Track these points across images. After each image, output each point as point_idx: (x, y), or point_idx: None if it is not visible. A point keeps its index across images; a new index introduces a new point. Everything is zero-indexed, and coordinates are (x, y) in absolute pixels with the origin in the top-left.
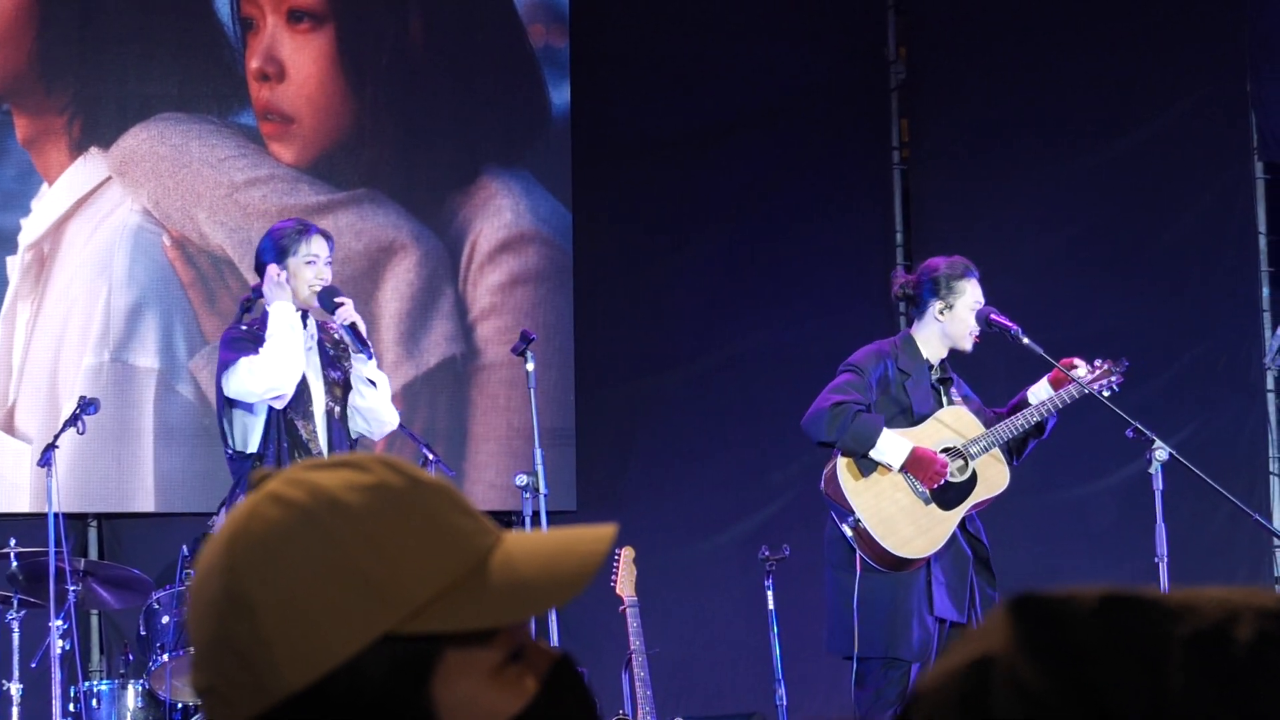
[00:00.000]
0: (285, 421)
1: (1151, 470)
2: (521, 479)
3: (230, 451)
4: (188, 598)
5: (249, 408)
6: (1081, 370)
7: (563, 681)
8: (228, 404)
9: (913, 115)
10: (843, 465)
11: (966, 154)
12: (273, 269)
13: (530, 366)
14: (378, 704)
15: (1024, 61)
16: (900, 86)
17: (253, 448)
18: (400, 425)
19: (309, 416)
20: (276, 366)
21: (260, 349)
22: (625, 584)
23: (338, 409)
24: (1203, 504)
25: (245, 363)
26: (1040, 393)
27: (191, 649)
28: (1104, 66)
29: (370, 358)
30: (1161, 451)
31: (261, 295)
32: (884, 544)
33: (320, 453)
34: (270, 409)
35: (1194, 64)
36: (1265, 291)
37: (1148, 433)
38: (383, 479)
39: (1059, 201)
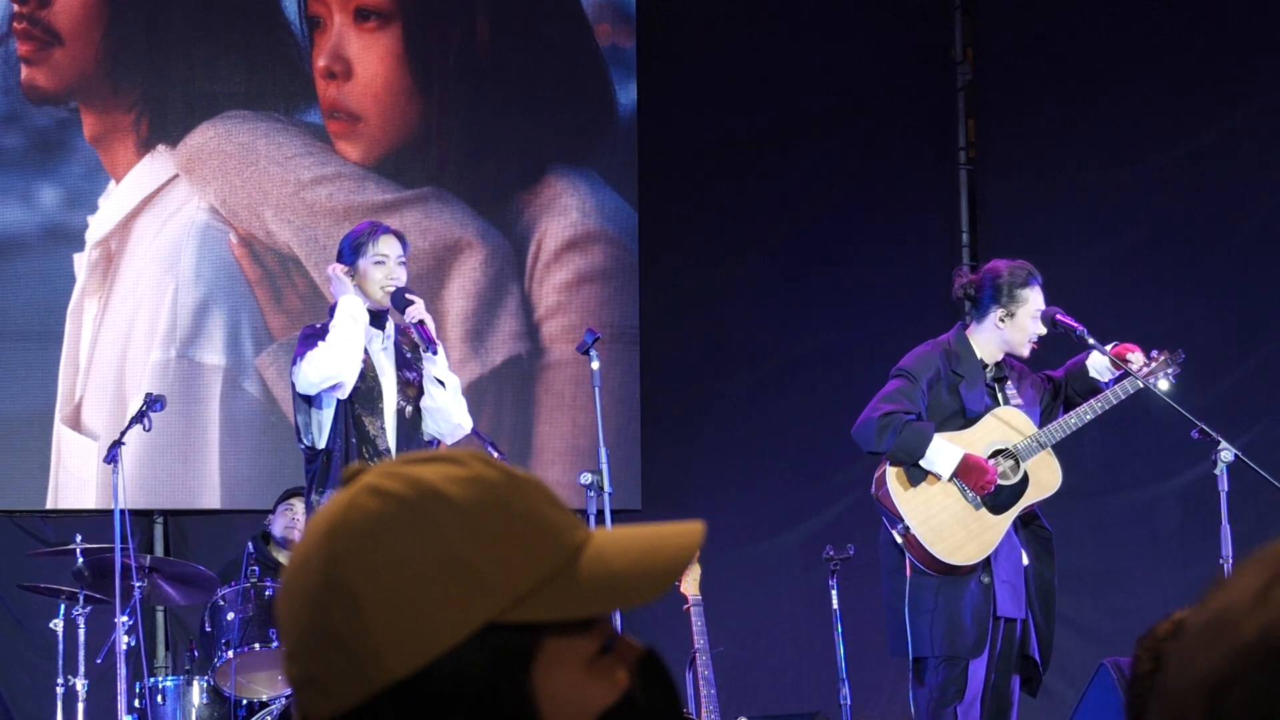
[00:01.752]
0: (354, 418)
1: (1217, 472)
2: (586, 477)
3: (304, 447)
4: (282, 589)
5: (318, 402)
6: (1138, 360)
7: (652, 673)
8: (301, 399)
9: (979, 116)
10: (892, 473)
11: (1033, 155)
12: (335, 266)
13: (595, 365)
14: (479, 693)
15: (1091, 62)
16: (966, 87)
17: (322, 443)
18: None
19: (378, 414)
20: (333, 356)
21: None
22: (689, 583)
23: (409, 409)
24: (1269, 505)
25: (309, 355)
26: (1098, 364)
27: (285, 642)
28: (1171, 66)
29: (435, 355)
30: (1227, 453)
31: None
32: (933, 551)
33: (388, 450)
34: (339, 405)
35: (1262, 65)
36: None
37: (1213, 434)
38: (479, 473)
39: (1126, 202)
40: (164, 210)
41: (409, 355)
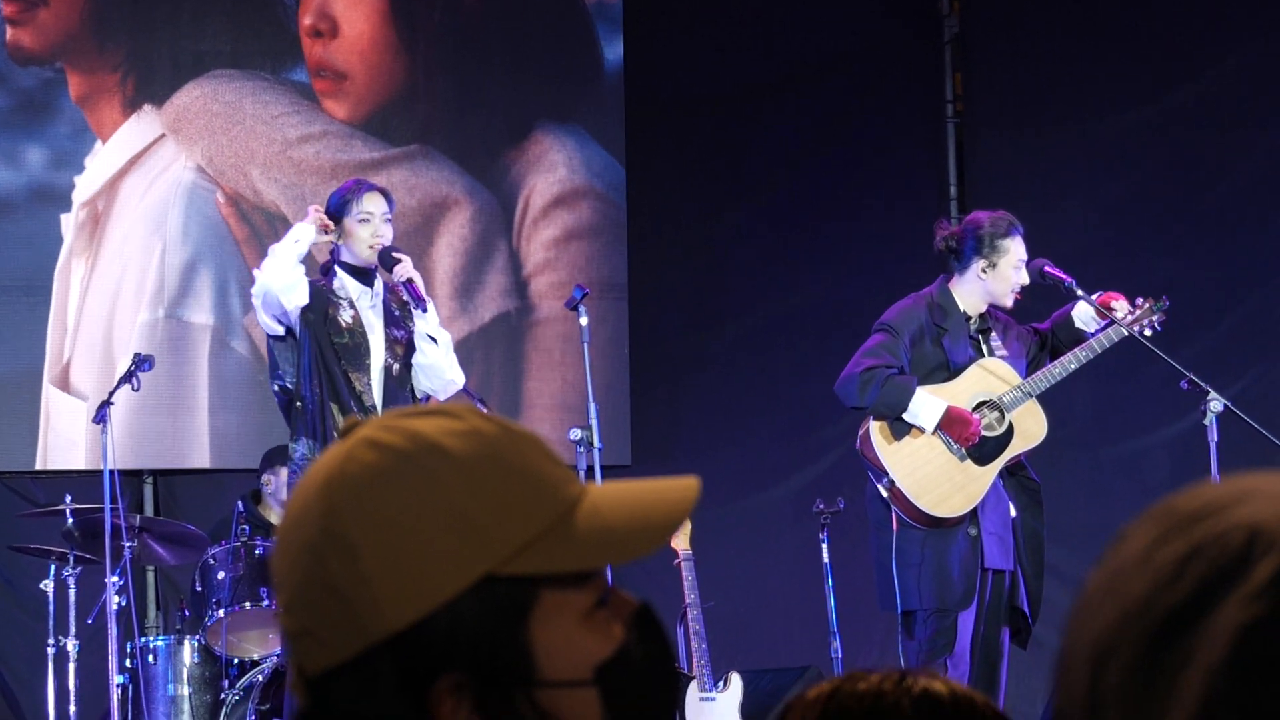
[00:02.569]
0: (340, 372)
1: (1206, 422)
2: (576, 433)
3: (276, 389)
4: (278, 542)
5: (283, 335)
6: (1122, 308)
7: (647, 627)
8: (270, 338)
9: (966, 69)
10: (875, 427)
11: (1020, 107)
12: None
13: (584, 321)
14: (476, 643)
15: (1077, 13)
16: (953, 40)
17: (291, 383)
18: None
19: (365, 370)
20: (267, 267)
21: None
22: (680, 538)
23: (396, 366)
24: (1258, 456)
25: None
26: (1084, 314)
27: (281, 594)
28: (1157, 18)
29: (425, 313)
30: (1216, 403)
31: (336, 257)
32: (919, 504)
33: (374, 406)
34: (314, 355)
35: (1248, 15)
36: None
37: (1202, 384)
38: (476, 426)
39: (1114, 154)
40: (151, 170)
41: (397, 313)
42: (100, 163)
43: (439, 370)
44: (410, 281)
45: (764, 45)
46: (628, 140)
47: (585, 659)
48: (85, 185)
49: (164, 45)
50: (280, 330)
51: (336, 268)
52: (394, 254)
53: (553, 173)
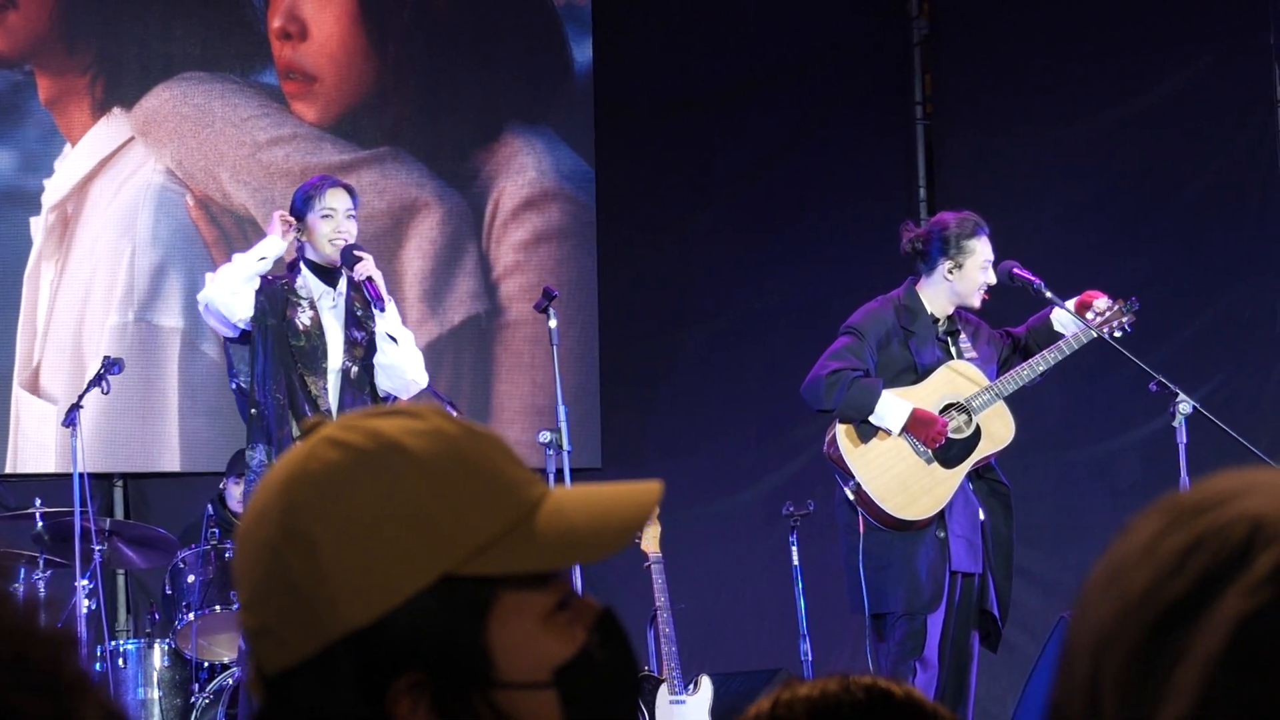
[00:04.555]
0: (296, 376)
1: (1175, 424)
2: (545, 436)
3: (234, 387)
4: (239, 540)
5: (240, 336)
6: (1101, 305)
7: (609, 631)
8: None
9: (935, 71)
10: (842, 430)
11: (989, 109)
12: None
13: (553, 323)
14: (434, 643)
15: (1046, 16)
16: (923, 42)
17: (247, 384)
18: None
19: (321, 373)
20: (218, 278)
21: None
22: (650, 541)
23: (354, 369)
24: (1227, 458)
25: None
26: (1064, 318)
27: (241, 592)
28: (1127, 20)
29: (384, 312)
30: (1185, 405)
31: (301, 254)
32: (885, 507)
33: (329, 410)
34: (271, 360)
35: (1217, 17)
36: None
37: (1171, 386)
38: (438, 426)
39: (1082, 156)
40: (120, 173)
41: (359, 314)
42: (69, 166)
43: (399, 370)
44: (370, 280)
45: (733, 46)
46: (597, 142)
47: (544, 661)
48: (54, 188)
49: (133, 47)
50: (232, 332)
51: (301, 264)
52: (355, 252)
53: (522, 175)
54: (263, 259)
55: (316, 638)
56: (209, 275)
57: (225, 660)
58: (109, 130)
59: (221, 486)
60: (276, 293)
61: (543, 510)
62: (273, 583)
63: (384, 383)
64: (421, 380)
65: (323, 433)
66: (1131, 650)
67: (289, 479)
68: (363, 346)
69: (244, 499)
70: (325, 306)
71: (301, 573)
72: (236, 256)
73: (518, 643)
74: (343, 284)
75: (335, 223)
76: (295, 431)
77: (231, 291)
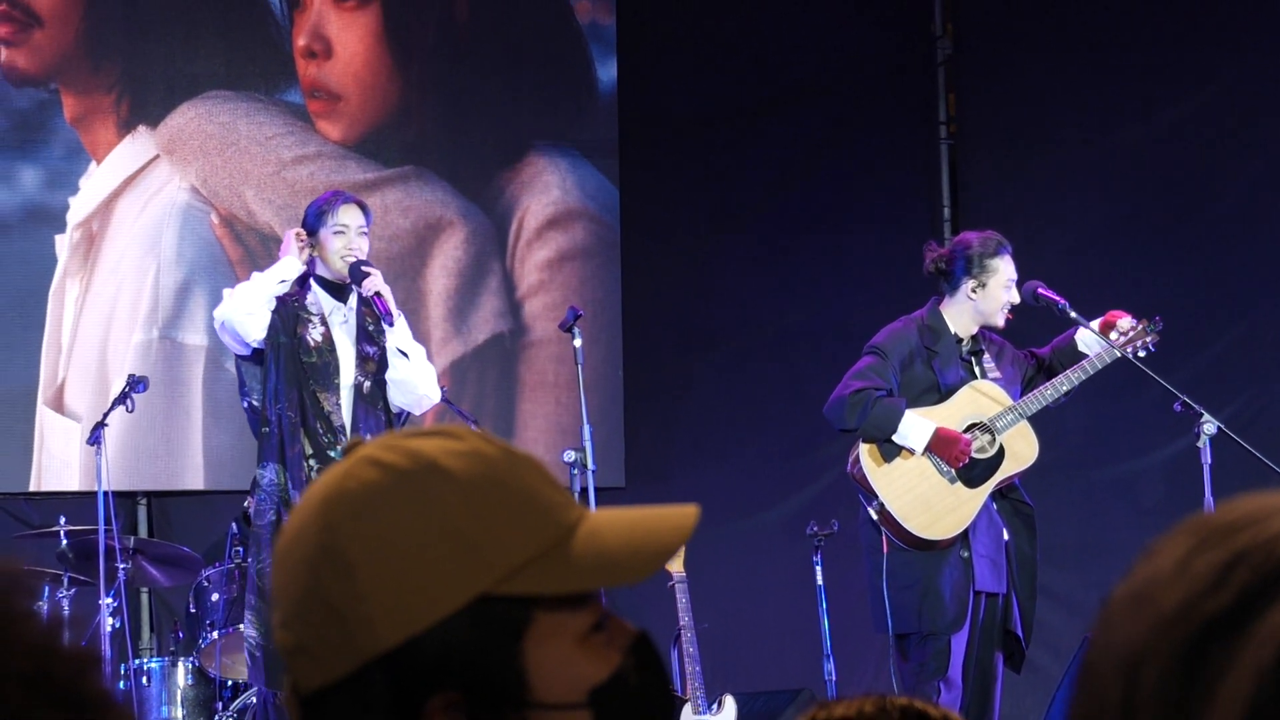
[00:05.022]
0: (309, 393)
1: (1200, 444)
2: (570, 455)
3: (246, 406)
4: (276, 558)
5: (252, 354)
6: (1125, 325)
7: (644, 655)
8: (242, 358)
9: (959, 91)
10: (865, 450)
11: (1013, 129)
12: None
13: (578, 343)
14: (470, 663)
15: (1069, 35)
16: (946, 61)
17: (259, 402)
18: (448, 401)
19: (334, 389)
20: (236, 297)
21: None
22: (674, 560)
23: (366, 384)
24: (1252, 478)
25: (233, 289)
26: (1088, 338)
27: (277, 610)
28: (1149, 38)
29: (393, 327)
30: (1210, 425)
31: (311, 270)
32: (908, 527)
33: (342, 426)
34: (284, 375)
35: (1242, 32)
36: None
37: (1196, 406)
38: (477, 448)
39: (1107, 175)
40: (145, 191)
41: (370, 329)
42: (95, 183)
43: (411, 385)
44: (378, 295)
45: (757, 66)
46: (621, 161)
47: (580, 682)
48: (80, 206)
49: (158, 66)
50: (246, 350)
51: (311, 281)
52: (363, 267)
53: (546, 194)
54: (282, 281)
55: (352, 657)
56: (226, 291)
57: (249, 679)
58: (134, 148)
59: (245, 504)
60: (288, 310)
61: (579, 533)
62: (309, 601)
63: (396, 398)
64: (434, 395)
65: (361, 452)
66: (1169, 666)
67: (327, 498)
68: (375, 361)
69: (255, 517)
70: (336, 322)
71: (338, 591)
72: (255, 276)
73: (553, 664)
74: (353, 299)
75: (347, 239)
76: (307, 449)
77: (248, 312)
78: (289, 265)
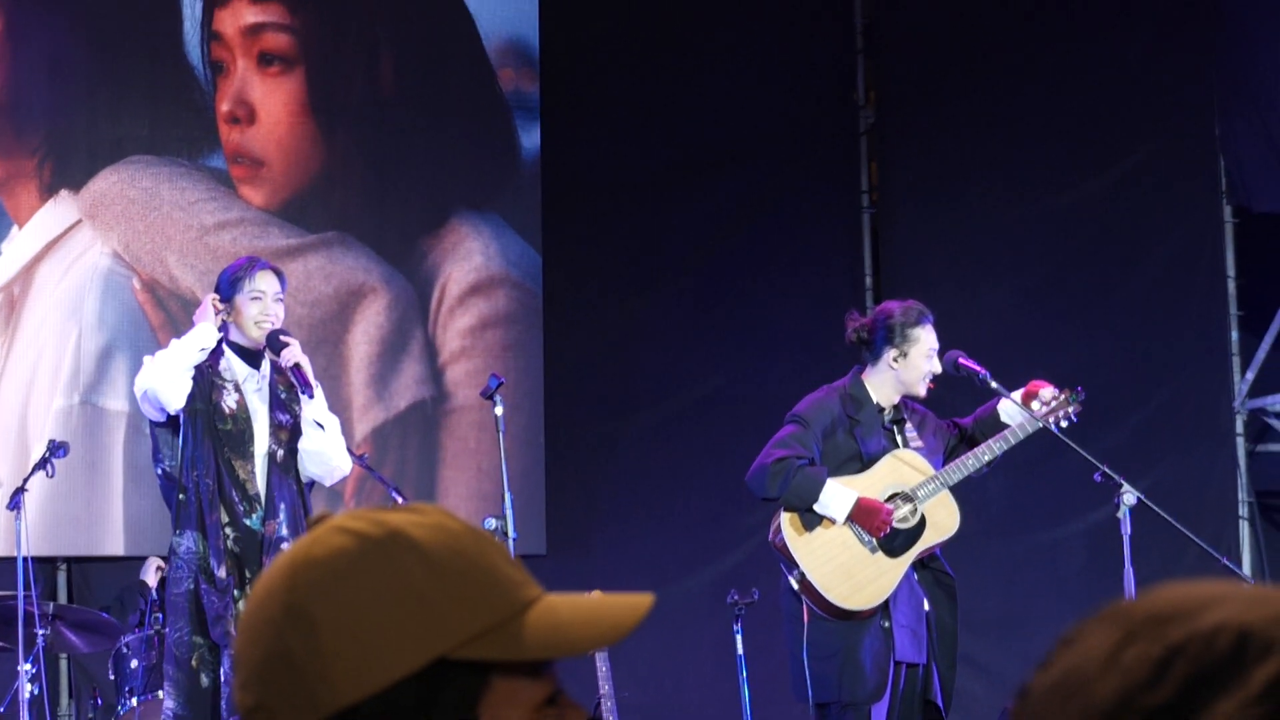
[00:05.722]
0: (224, 460)
1: (1120, 514)
2: (491, 522)
3: (159, 472)
4: (242, 620)
5: (170, 427)
6: (1047, 394)
7: None
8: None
9: (882, 159)
10: (787, 519)
11: (935, 197)
12: (208, 297)
13: (499, 410)
14: None
15: (992, 105)
16: (869, 130)
17: (173, 467)
18: (369, 468)
19: (249, 457)
20: (156, 365)
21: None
22: None
23: (280, 452)
24: (1172, 548)
25: (151, 357)
26: (1010, 410)
27: (239, 672)
28: (1072, 109)
29: (311, 398)
30: (1130, 495)
31: (225, 336)
32: (829, 597)
33: (257, 495)
34: (198, 443)
35: (1162, 107)
36: (1234, 335)
37: (1116, 476)
38: (442, 522)
39: (1028, 244)
40: (67, 256)
41: (283, 397)
42: (16, 248)
43: (325, 457)
44: (297, 366)
45: (680, 133)
46: (544, 228)
47: None
48: (1, 270)
49: (81, 130)
50: (163, 418)
51: (225, 347)
52: (282, 337)
53: (469, 260)
54: (202, 350)
55: (311, 714)
56: (147, 359)
57: None
58: (56, 213)
59: (142, 572)
60: (203, 376)
61: (537, 607)
62: (272, 661)
63: (309, 468)
64: (346, 467)
65: (330, 522)
66: None
67: (294, 562)
68: (288, 430)
69: (170, 585)
70: (250, 389)
71: (300, 648)
72: (174, 343)
73: None
74: (265, 366)
75: (263, 305)
76: (224, 517)
77: (169, 381)
78: (208, 333)
